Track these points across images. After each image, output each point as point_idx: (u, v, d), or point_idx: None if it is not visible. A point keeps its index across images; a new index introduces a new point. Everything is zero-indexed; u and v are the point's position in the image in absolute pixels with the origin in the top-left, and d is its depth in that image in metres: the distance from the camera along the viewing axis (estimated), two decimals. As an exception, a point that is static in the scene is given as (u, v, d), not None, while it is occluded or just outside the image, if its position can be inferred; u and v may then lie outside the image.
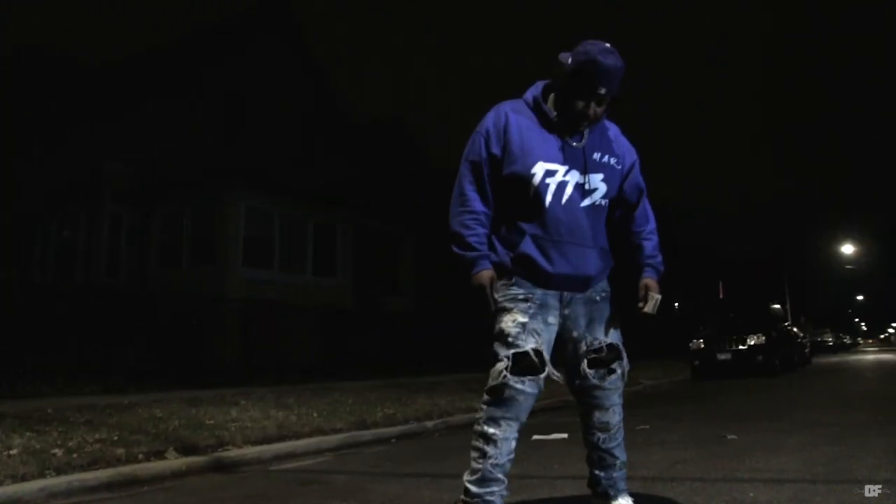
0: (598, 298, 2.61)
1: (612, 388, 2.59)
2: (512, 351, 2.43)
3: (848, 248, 43.34)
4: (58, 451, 4.39)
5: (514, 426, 2.47)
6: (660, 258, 2.73)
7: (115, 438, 4.89)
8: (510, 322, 2.46)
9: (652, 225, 2.77)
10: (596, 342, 2.56)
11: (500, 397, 2.43)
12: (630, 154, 2.72)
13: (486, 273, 2.50)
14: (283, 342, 13.17)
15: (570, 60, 2.46)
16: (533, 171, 2.48)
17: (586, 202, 2.54)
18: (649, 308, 2.62)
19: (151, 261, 15.35)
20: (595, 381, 2.56)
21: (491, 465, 2.44)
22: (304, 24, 19.73)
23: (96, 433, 5.04)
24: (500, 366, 2.44)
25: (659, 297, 2.63)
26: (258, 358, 12.39)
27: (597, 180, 2.56)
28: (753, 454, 4.26)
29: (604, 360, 2.56)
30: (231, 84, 17.09)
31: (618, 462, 2.62)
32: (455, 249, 2.54)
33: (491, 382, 2.46)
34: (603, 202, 2.59)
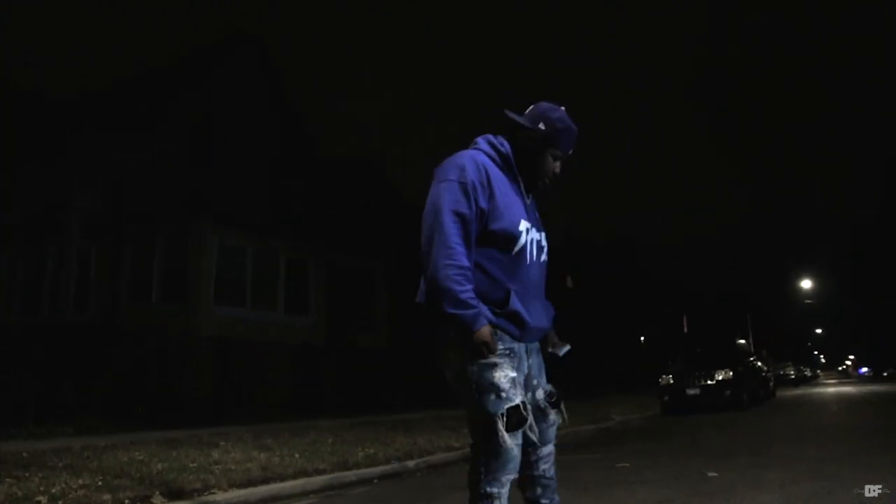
0: (537, 348, 2.76)
1: (556, 422, 2.74)
2: (507, 405, 2.45)
3: (807, 283, 44.43)
4: (42, 499, 4.32)
5: (513, 476, 2.53)
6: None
7: (100, 483, 4.82)
8: (502, 377, 2.47)
9: None
10: (547, 387, 2.72)
11: (501, 456, 2.45)
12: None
13: (487, 329, 2.46)
14: (256, 380, 13.04)
15: (541, 125, 2.62)
16: (520, 228, 2.56)
17: (542, 258, 2.70)
18: (562, 353, 2.85)
19: (121, 297, 15.11)
20: (553, 421, 2.71)
21: None
22: (276, 58, 19.84)
23: (79, 478, 4.96)
24: (499, 425, 2.44)
25: (568, 346, 2.85)
26: (231, 396, 12.25)
27: (544, 237, 2.73)
28: (736, 492, 4.38)
29: (556, 402, 2.70)
30: (203, 118, 17.08)
31: (555, 481, 2.74)
32: (448, 309, 2.42)
33: (490, 445, 2.45)
34: (546, 258, 2.75)
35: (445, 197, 2.50)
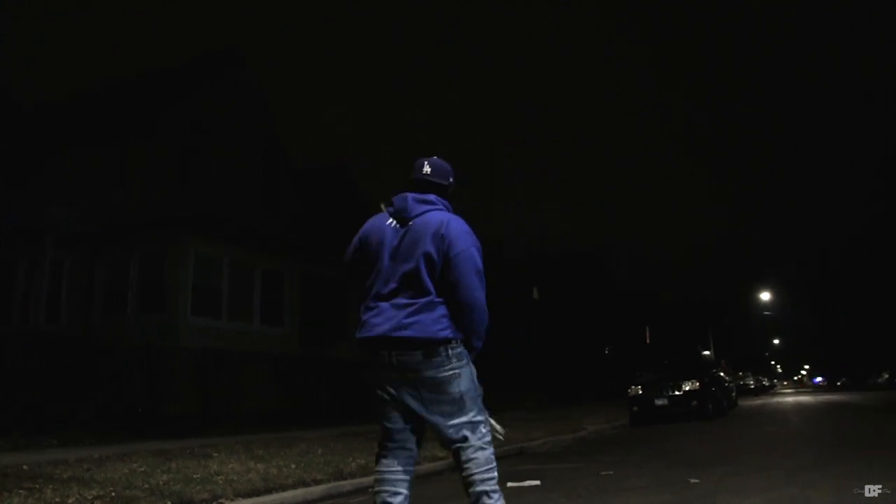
0: None
1: None
2: None
3: (765, 295, 45.65)
4: (61, 509, 4.45)
5: None
6: None
7: (113, 495, 4.95)
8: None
9: None
10: None
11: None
12: None
13: None
14: (236, 391, 13.10)
15: (451, 178, 3.25)
16: None
17: None
18: None
19: (95, 307, 15.03)
20: None
21: None
22: (252, 70, 19.93)
23: (90, 490, 5.08)
24: (492, 421, 3.06)
25: None
26: (213, 407, 12.30)
27: None
28: (722, 497, 4.71)
29: None
30: (180, 131, 17.11)
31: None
32: (484, 337, 3.10)
33: (490, 443, 3.01)
34: None
35: (479, 260, 3.06)
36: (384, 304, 2.97)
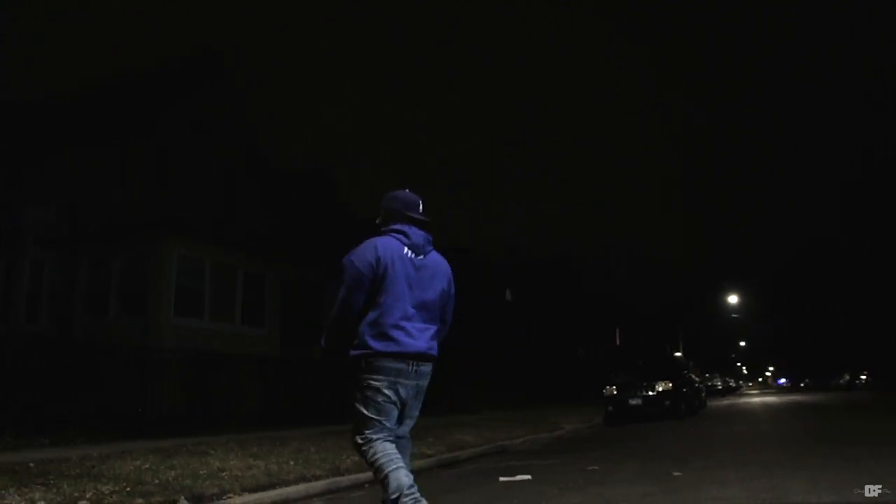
0: None
1: None
2: None
3: (733, 298, 46.65)
4: (84, 503, 4.65)
5: None
6: None
7: (128, 490, 5.15)
8: None
9: None
10: None
11: None
12: None
13: None
14: (222, 390, 13.22)
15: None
16: None
17: None
18: None
19: (76, 308, 15.03)
20: None
21: None
22: (234, 71, 20.00)
23: (104, 485, 5.27)
24: None
25: None
26: (200, 407, 12.41)
27: None
28: (704, 486, 5.07)
29: None
30: (164, 132, 17.14)
31: None
32: None
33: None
34: None
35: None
36: (410, 325, 3.58)
